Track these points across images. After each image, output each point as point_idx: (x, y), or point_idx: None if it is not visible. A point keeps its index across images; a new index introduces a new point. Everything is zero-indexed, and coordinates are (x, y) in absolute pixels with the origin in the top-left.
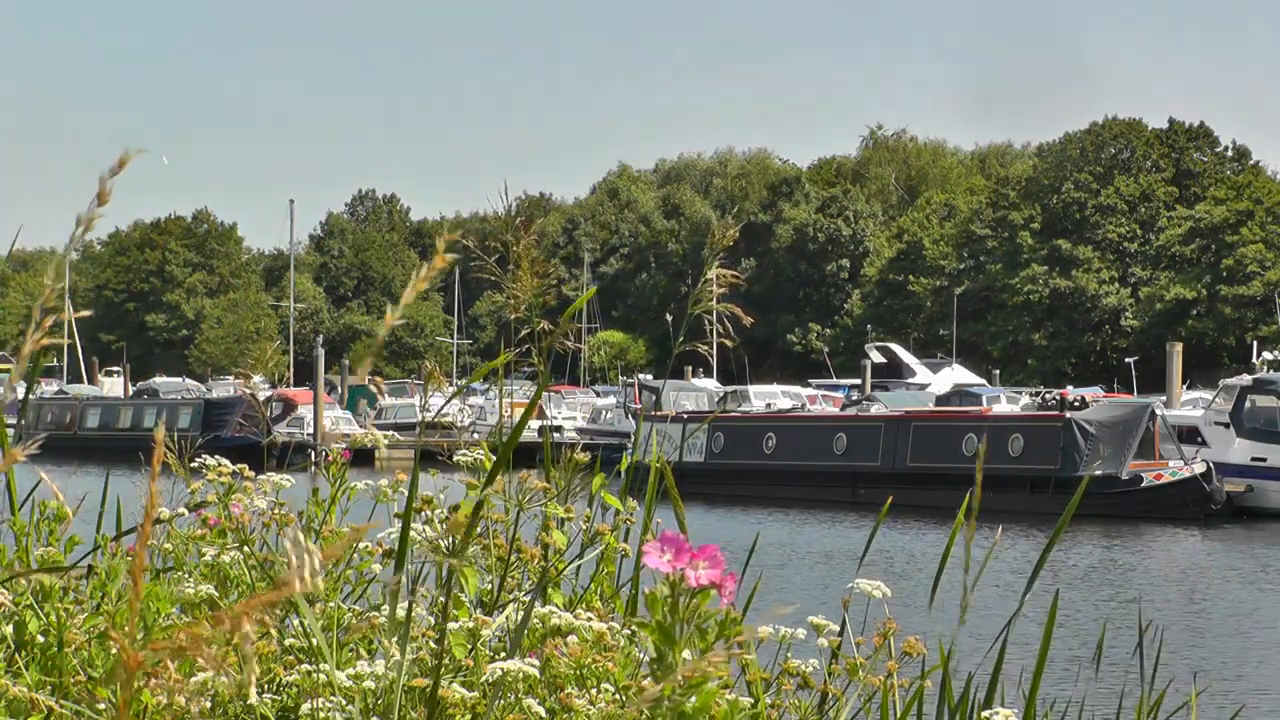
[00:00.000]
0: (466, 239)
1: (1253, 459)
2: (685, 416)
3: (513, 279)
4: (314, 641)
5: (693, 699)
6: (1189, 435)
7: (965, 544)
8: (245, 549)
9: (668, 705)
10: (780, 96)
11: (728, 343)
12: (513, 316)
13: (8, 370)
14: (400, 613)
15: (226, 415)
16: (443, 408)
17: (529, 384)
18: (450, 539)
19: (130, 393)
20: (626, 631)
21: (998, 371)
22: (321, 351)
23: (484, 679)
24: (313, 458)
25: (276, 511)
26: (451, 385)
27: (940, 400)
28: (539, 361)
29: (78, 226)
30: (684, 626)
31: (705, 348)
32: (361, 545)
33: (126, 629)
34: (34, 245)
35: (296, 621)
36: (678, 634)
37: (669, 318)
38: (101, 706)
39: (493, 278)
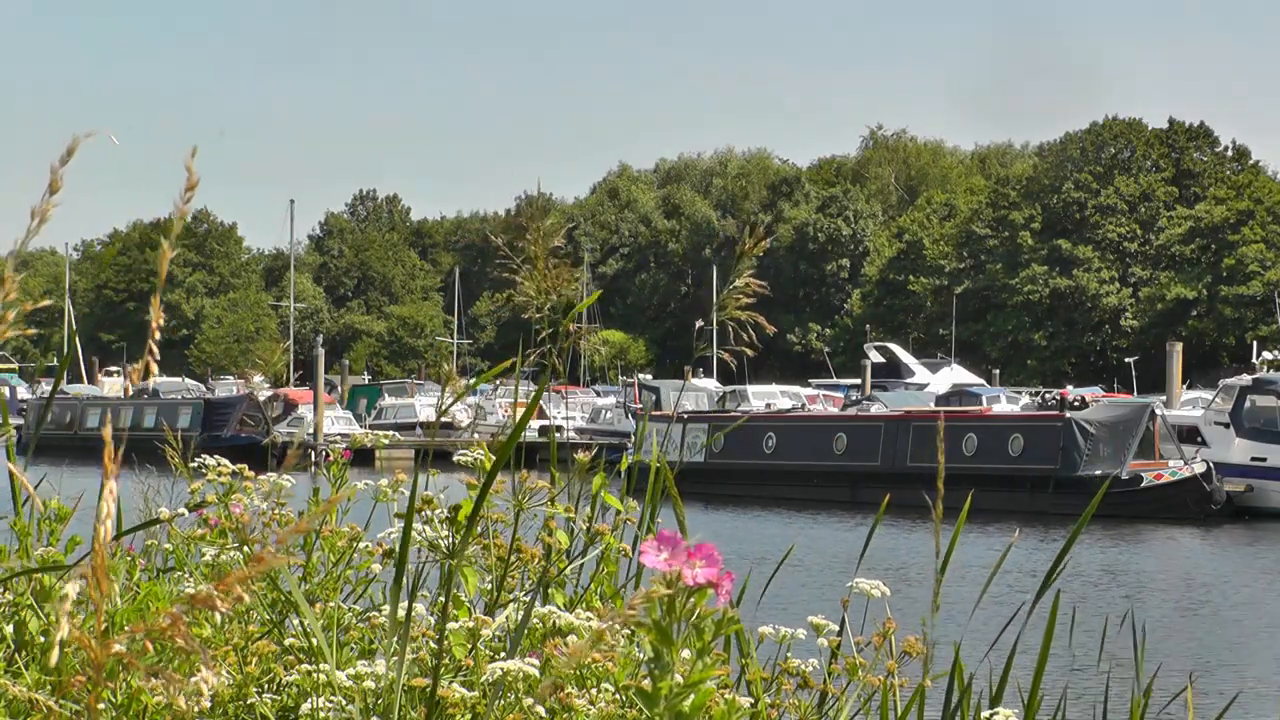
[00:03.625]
0: (496, 236)
1: (1253, 459)
2: (686, 416)
3: (531, 278)
4: (314, 641)
5: (690, 698)
6: (1189, 435)
7: (935, 534)
8: (245, 549)
9: (665, 705)
10: (780, 96)
11: (748, 351)
12: (534, 317)
13: (10, 370)
14: (400, 613)
15: (227, 415)
16: (445, 409)
17: (529, 384)
18: (450, 539)
19: (130, 393)
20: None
21: (997, 371)
22: (321, 351)
23: (484, 679)
24: (313, 458)
25: (276, 511)
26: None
27: (940, 400)
28: (554, 362)
29: (33, 219)
30: (681, 625)
31: (727, 355)
32: (361, 545)
33: (92, 627)
34: (34, 244)
35: (296, 621)
36: (675, 634)
37: (699, 324)
38: (101, 706)
39: (505, 275)
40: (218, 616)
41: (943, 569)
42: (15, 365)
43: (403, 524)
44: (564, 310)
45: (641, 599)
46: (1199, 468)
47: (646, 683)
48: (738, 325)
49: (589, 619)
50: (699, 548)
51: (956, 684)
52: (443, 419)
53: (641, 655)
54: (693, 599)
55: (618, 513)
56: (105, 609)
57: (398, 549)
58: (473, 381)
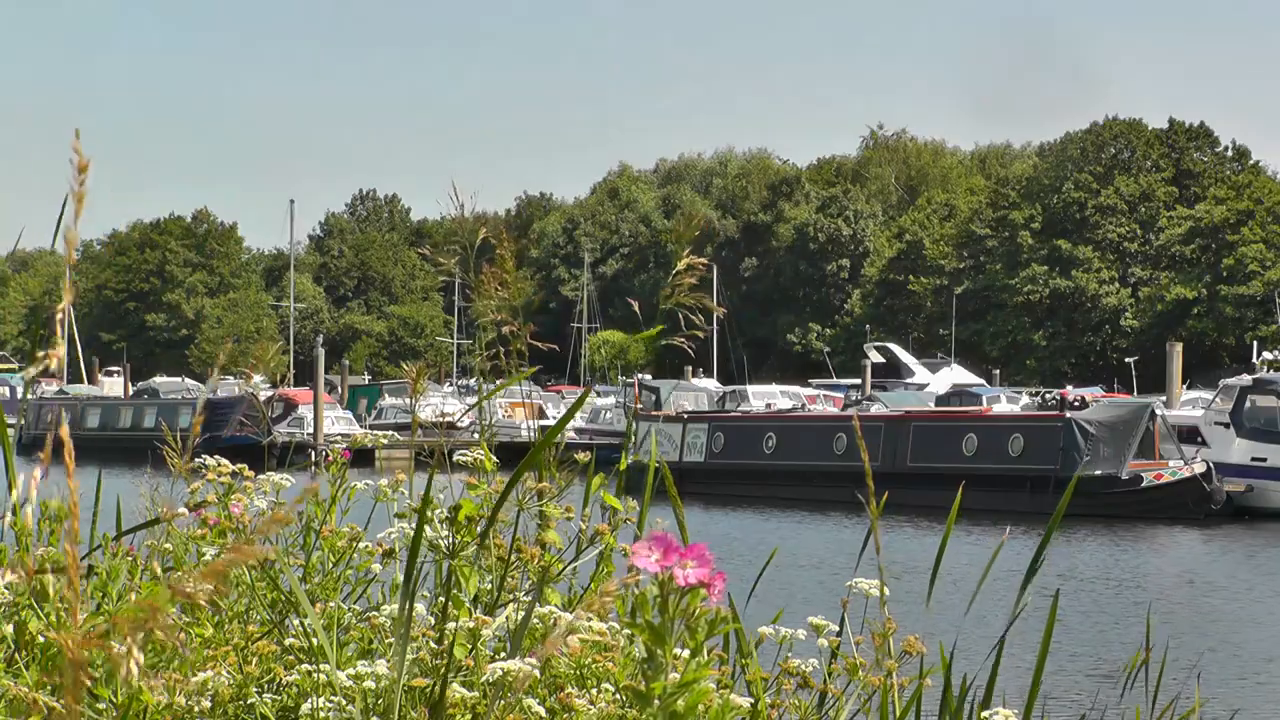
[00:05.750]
0: (438, 251)
1: (1253, 459)
2: (685, 416)
3: (479, 286)
4: (314, 641)
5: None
6: (1189, 435)
7: (873, 530)
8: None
9: (659, 704)
10: (780, 96)
11: (698, 334)
12: (480, 321)
13: (10, 370)
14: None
15: (227, 415)
16: (464, 414)
17: (529, 384)
18: (450, 538)
19: (130, 393)
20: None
21: (997, 371)
22: (321, 351)
23: (484, 679)
24: (312, 458)
25: (276, 511)
26: (451, 385)
27: (940, 400)
28: (509, 364)
29: (63, 237)
30: (674, 625)
31: (683, 341)
32: (361, 545)
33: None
34: (33, 245)
35: (297, 621)
36: (669, 633)
37: (663, 296)
38: (101, 706)
39: (444, 279)
40: (224, 615)
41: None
42: (15, 365)
43: (402, 524)
44: (542, 311)
45: (614, 587)
46: (1199, 468)
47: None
48: (687, 310)
49: (589, 619)
50: (690, 548)
51: (947, 685)
52: (444, 419)
53: (639, 655)
54: (685, 599)
55: (616, 512)
56: (106, 609)
57: (409, 549)
58: (492, 390)
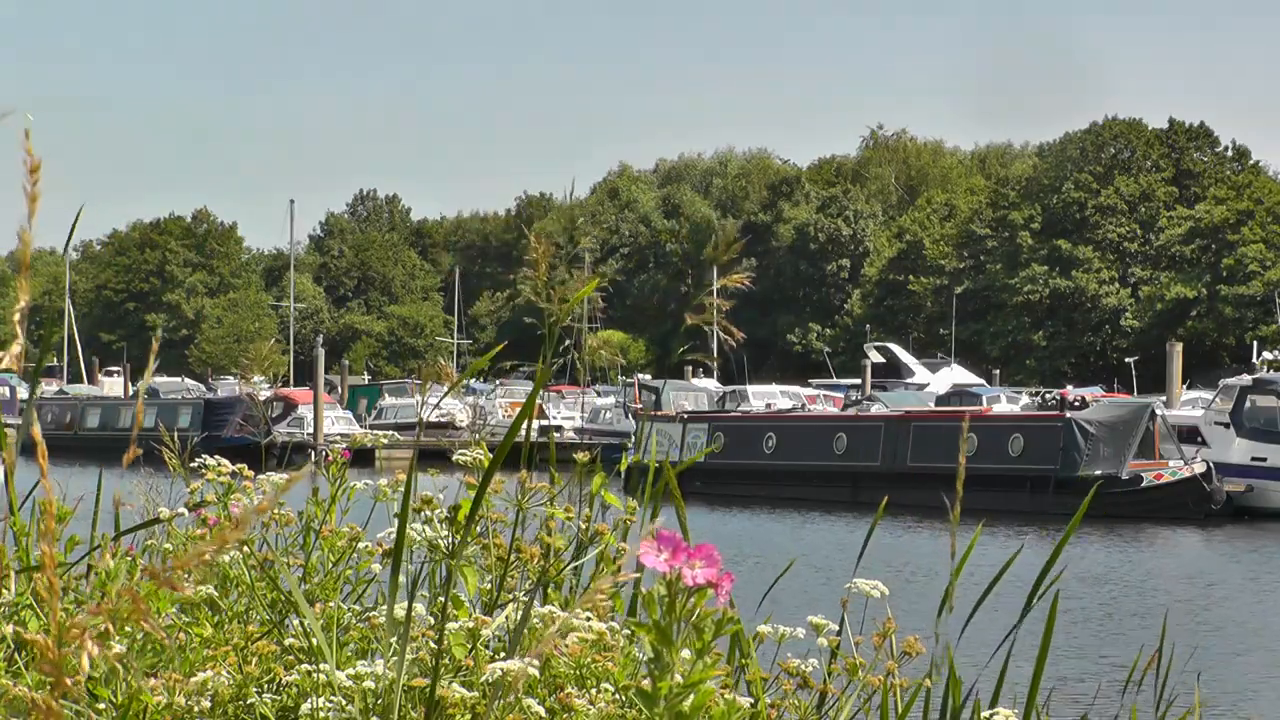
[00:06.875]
0: (543, 240)
1: (1253, 459)
2: (685, 416)
3: (551, 283)
4: (314, 641)
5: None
6: (1189, 435)
7: (952, 536)
8: (245, 549)
9: (665, 705)
10: (780, 96)
11: (712, 358)
12: (560, 323)
13: (8, 371)
14: (400, 612)
15: (226, 415)
16: (438, 403)
17: (529, 384)
18: (450, 539)
19: (130, 393)
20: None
21: (997, 371)
22: (321, 351)
23: (484, 679)
24: (312, 458)
25: (275, 511)
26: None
27: (940, 400)
28: (581, 368)
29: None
30: (681, 625)
31: (706, 356)
32: (361, 545)
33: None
34: (33, 245)
35: (296, 621)
36: (674, 634)
37: (687, 318)
38: (101, 706)
39: (508, 275)
40: (224, 615)
41: (956, 573)
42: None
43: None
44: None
45: (609, 585)
46: (1199, 468)
47: (646, 683)
48: (711, 329)
49: (588, 619)
50: (698, 548)
51: (952, 687)
52: (443, 419)
53: (642, 655)
54: (692, 599)
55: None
56: (106, 609)
57: (395, 545)
58: (464, 372)
